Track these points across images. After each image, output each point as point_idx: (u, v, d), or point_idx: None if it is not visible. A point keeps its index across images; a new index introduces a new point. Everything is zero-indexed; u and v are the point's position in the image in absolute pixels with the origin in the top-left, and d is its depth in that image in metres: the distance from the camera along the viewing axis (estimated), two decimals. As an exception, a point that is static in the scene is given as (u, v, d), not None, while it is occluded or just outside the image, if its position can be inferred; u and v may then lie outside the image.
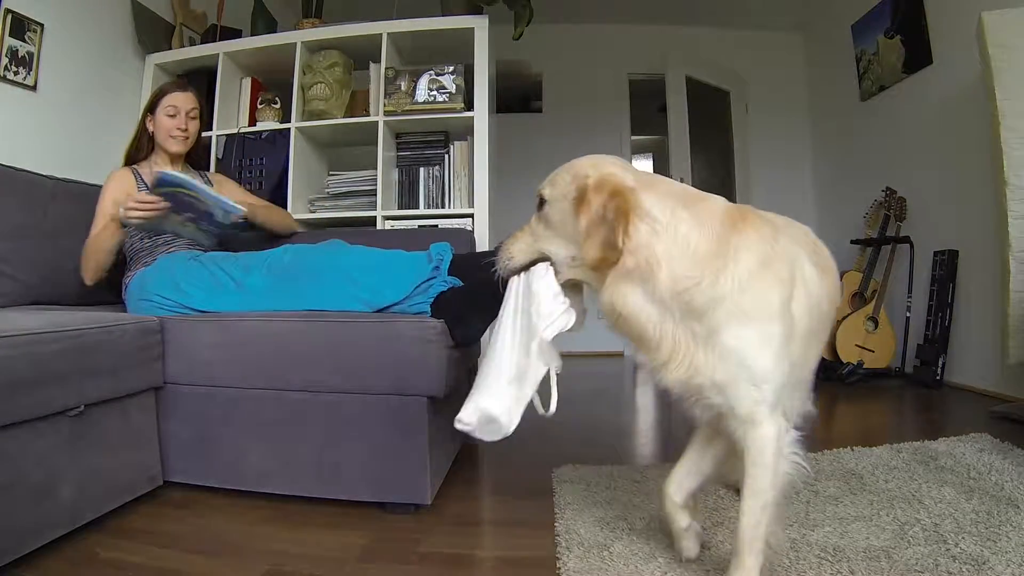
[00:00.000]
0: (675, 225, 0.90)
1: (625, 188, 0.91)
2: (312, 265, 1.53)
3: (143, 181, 1.78)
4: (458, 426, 0.99)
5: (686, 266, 0.89)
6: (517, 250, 1.02)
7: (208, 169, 2.09)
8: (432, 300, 1.48)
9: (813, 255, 1.03)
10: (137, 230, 1.69)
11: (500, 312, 1.04)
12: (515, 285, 1.03)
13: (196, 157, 1.98)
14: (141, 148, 1.87)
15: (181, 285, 1.57)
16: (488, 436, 0.99)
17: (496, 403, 0.98)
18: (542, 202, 0.99)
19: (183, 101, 1.84)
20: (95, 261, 1.68)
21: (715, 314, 0.89)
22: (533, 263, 1.01)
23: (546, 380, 1.00)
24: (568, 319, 0.99)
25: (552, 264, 1.00)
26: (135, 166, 1.85)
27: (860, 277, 3.29)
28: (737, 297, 0.88)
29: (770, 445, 0.91)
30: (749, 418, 0.91)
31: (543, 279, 0.99)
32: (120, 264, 1.75)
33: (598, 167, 0.95)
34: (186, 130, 1.84)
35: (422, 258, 1.56)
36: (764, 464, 0.91)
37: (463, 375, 1.70)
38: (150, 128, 1.84)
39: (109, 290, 1.77)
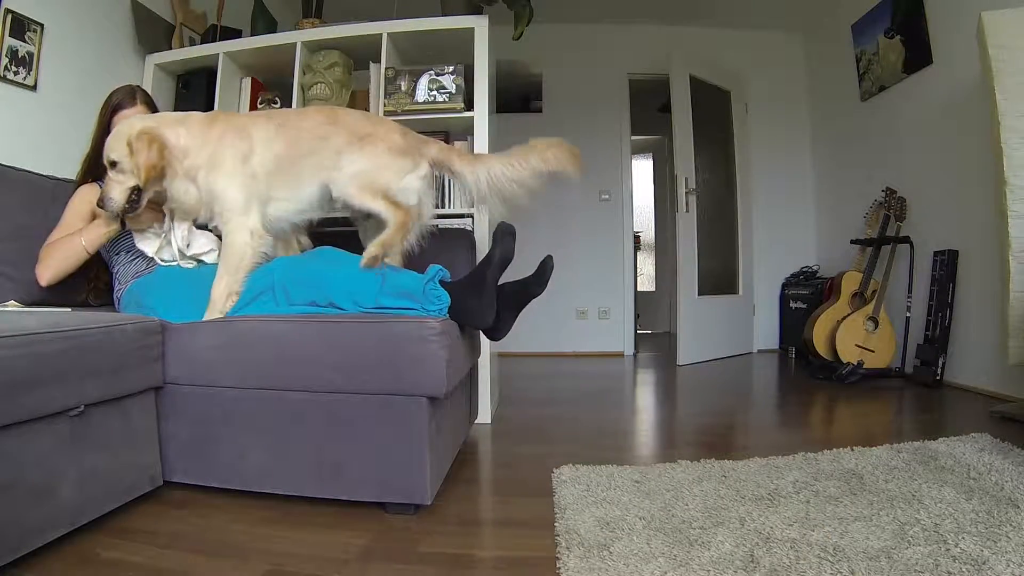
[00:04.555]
0: (178, 139, 1.55)
1: (153, 130, 1.52)
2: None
3: None
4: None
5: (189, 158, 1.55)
6: (116, 194, 1.53)
7: None
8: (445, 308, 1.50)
9: (272, 116, 1.65)
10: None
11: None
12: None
13: None
14: (100, 164, 1.68)
15: (179, 303, 1.56)
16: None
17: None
18: (113, 164, 1.53)
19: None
20: (63, 262, 1.62)
21: (199, 172, 1.55)
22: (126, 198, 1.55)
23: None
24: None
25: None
26: (100, 182, 1.72)
27: (860, 277, 3.28)
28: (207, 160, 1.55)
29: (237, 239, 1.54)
30: (223, 222, 1.55)
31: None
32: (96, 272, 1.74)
33: (132, 126, 1.54)
34: None
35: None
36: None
37: (464, 375, 1.71)
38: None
39: (107, 293, 1.77)
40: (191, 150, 1.55)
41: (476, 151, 2.32)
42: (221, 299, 1.53)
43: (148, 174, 1.49)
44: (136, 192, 1.53)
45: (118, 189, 1.53)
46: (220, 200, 1.55)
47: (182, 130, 1.56)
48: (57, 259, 1.64)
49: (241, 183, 1.55)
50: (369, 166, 1.59)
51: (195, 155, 1.55)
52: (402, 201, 1.58)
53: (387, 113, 2.34)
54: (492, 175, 1.66)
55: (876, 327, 3.15)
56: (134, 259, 1.70)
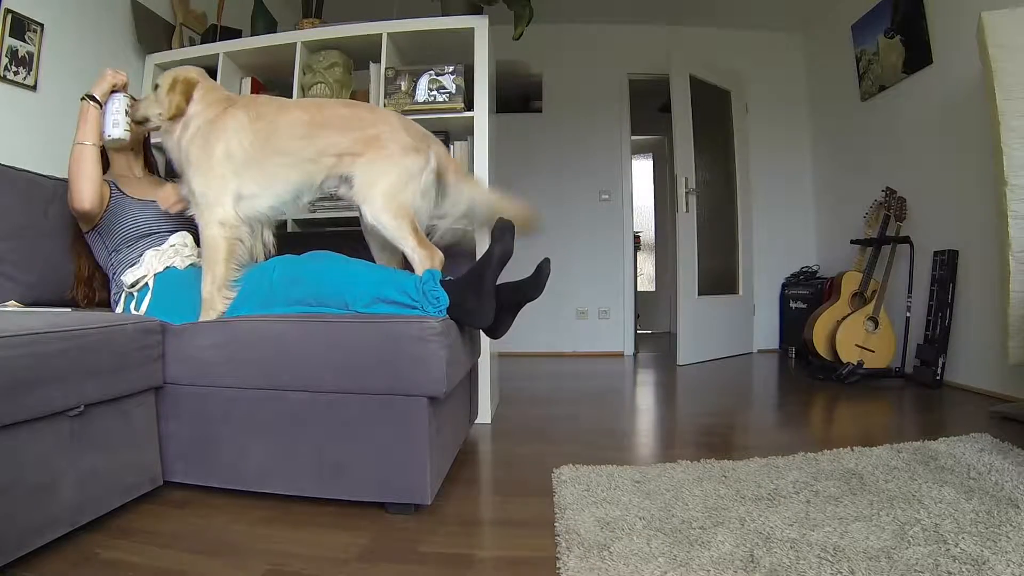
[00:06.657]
0: (194, 106, 1.62)
1: (192, 83, 1.65)
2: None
3: (119, 188, 1.72)
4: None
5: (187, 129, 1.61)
6: (144, 107, 1.69)
7: (157, 172, 1.97)
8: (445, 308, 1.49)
9: (250, 107, 1.64)
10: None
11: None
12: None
13: (148, 158, 1.92)
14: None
15: (176, 308, 1.56)
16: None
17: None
18: (155, 87, 1.69)
19: None
20: (79, 173, 1.59)
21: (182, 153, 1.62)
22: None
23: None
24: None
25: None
26: (104, 176, 1.71)
27: (860, 277, 3.29)
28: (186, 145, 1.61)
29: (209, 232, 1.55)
30: (196, 217, 1.59)
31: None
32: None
33: (187, 71, 1.68)
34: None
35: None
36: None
37: (464, 375, 1.71)
38: None
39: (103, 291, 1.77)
40: (189, 122, 1.61)
41: (476, 152, 2.32)
42: (212, 297, 1.53)
43: (171, 112, 1.62)
44: (147, 120, 1.69)
45: (147, 103, 1.69)
46: (192, 193, 1.58)
47: (200, 102, 1.63)
48: (74, 174, 1.59)
49: (206, 175, 1.56)
50: (394, 181, 1.58)
51: (186, 129, 1.60)
52: (424, 228, 1.62)
53: (387, 113, 2.34)
54: (475, 199, 1.78)
55: (876, 327, 3.15)
56: (132, 265, 1.70)
